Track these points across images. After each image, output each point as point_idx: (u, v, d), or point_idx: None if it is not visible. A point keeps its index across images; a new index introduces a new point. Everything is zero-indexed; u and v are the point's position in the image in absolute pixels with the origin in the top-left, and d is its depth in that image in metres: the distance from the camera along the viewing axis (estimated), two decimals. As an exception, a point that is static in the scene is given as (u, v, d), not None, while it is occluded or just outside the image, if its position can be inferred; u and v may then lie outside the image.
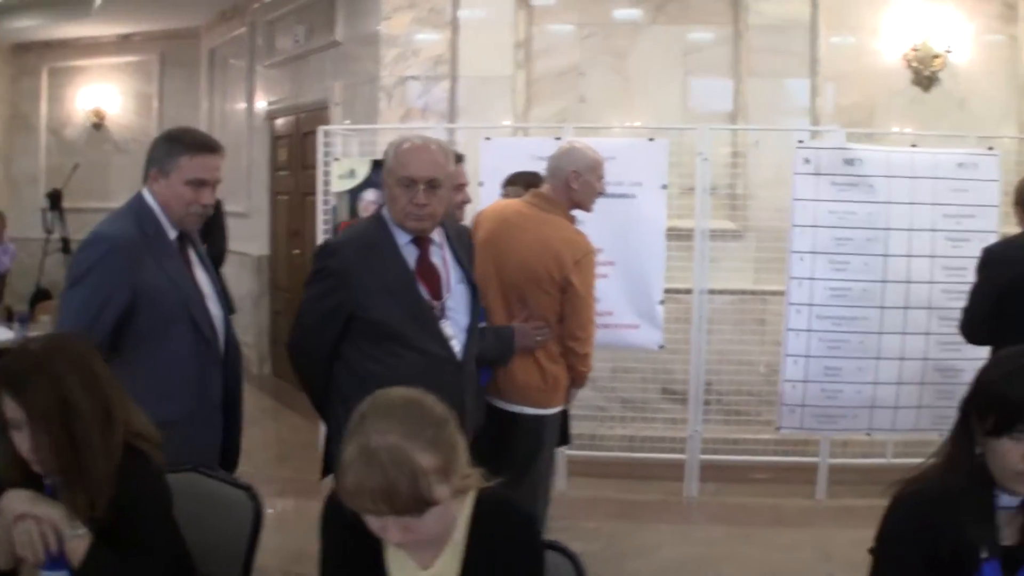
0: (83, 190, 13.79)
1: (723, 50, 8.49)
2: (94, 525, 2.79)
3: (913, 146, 7.07)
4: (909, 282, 6.83)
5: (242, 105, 12.76)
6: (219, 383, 4.08)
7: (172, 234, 4.02)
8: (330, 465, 4.00)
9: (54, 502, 2.80)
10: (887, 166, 6.86)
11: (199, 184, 3.97)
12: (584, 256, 5.04)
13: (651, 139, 7.23)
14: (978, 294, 5.44)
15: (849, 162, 6.83)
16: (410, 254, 4.19)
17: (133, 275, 3.83)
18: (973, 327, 5.50)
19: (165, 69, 14.94)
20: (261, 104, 12.13)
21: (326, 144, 8.24)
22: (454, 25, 8.86)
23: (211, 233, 6.56)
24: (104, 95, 15.21)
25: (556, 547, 2.83)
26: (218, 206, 6.60)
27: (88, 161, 14.43)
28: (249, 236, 11.80)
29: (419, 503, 2.35)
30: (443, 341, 4.17)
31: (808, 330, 6.85)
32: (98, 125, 15.20)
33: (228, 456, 4.25)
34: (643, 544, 6.49)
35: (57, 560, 2.74)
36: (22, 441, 2.78)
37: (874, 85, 8.35)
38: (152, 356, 3.88)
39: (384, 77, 8.99)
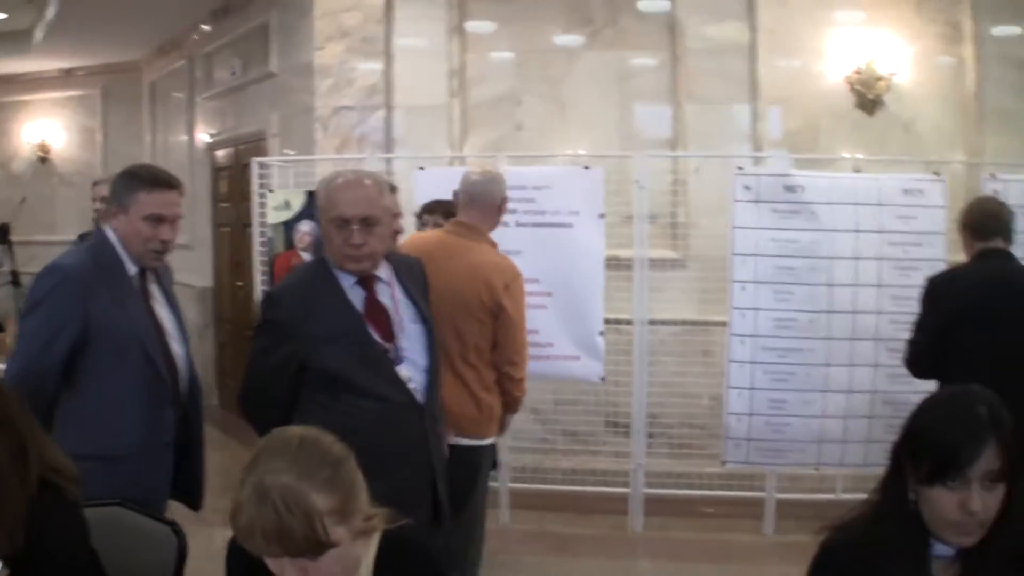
0: (31, 223, 13.93)
1: (660, 75, 8.31)
2: (8, 561, 2.68)
3: (856, 171, 6.88)
4: (855, 312, 6.63)
5: (183, 137, 12.71)
6: (171, 421, 4.01)
7: (132, 270, 4.01)
8: None
9: None
10: (830, 192, 6.67)
11: (157, 220, 3.95)
12: (513, 280, 4.97)
13: (586, 167, 7.04)
14: (923, 326, 5.23)
15: (790, 188, 6.64)
16: (356, 296, 3.97)
17: (86, 306, 3.82)
18: (918, 360, 5.30)
19: (108, 103, 14.95)
20: (202, 136, 12.06)
21: (262, 176, 8.13)
22: (388, 54, 8.71)
23: None
24: (49, 129, 15.32)
25: None
26: None
27: (35, 194, 14.62)
28: (192, 268, 11.65)
29: (314, 545, 2.28)
30: (400, 385, 3.93)
31: (752, 362, 6.65)
32: (43, 159, 15.32)
33: (191, 493, 4.26)
34: None
35: None
36: None
37: (817, 109, 8.15)
38: (103, 389, 3.85)
39: (319, 108, 8.84)
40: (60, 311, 3.81)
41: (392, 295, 4.05)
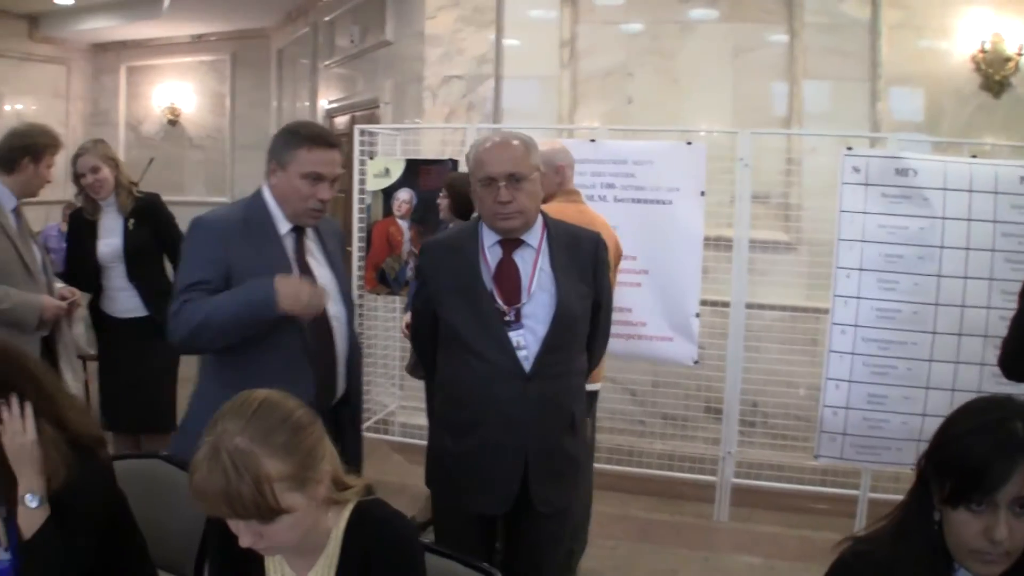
0: (158, 183, 14.00)
1: (777, 51, 8.03)
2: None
3: (973, 157, 6.52)
4: (964, 306, 6.27)
5: (306, 104, 12.92)
6: (311, 381, 3.87)
7: (284, 227, 3.97)
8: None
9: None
10: (943, 177, 6.31)
11: (316, 178, 3.90)
12: None
13: (689, 143, 6.80)
14: (1018, 324, 4.87)
15: (902, 172, 6.31)
16: (493, 256, 3.99)
17: (227, 254, 3.81)
18: (1013, 361, 4.93)
19: (237, 68, 15.33)
20: (323, 103, 12.17)
21: (363, 144, 8.16)
22: (499, 24, 8.60)
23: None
24: (179, 93, 15.67)
25: (481, 569, 2.93)
26: (157, 204, 6.48)
27: (164, 156, 14.84)
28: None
29: (263, 510, 2.30)
30: (509, 350, 3.87)
31: (852, 353, 6.35)
32: (173, 121, 15.68)
33: (351, 459, 4.08)
34: (656, 568, 6.15)
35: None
36: None
37: (940, 90, 7.80)
38: (252, 351, 3.80)
39: (429, 76, 8.80)
40: (201, 262, 3.80)
41: (535, 261, 3.98)
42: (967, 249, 6.25)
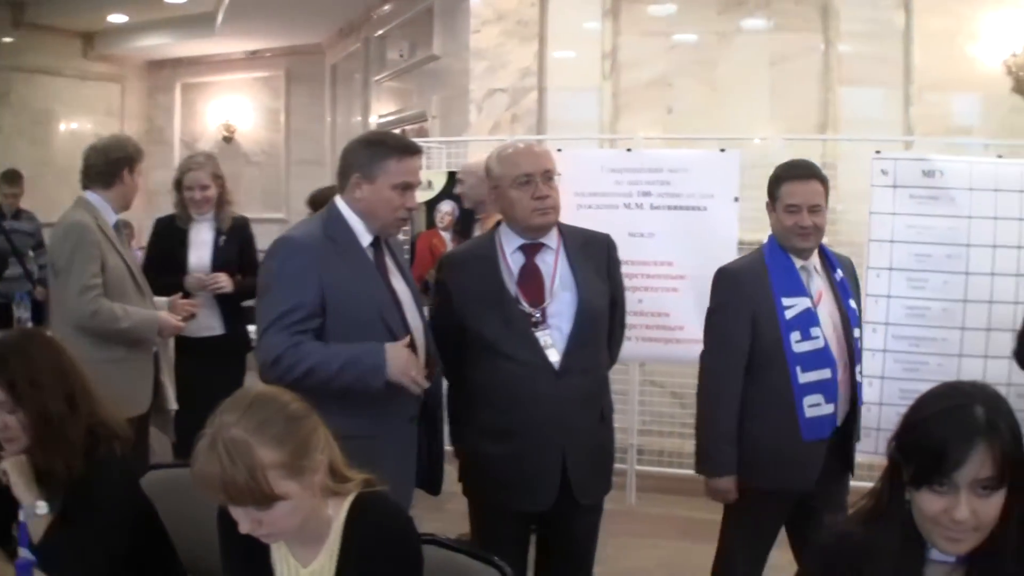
0: None
1: (813, 59, 8.20)
2: (60, 497, 3.08)
3: (999, 157, 6.67)
4: (992, 302, 6.39)
5: (358, 118, 12.97)
6: (416, 395, 3.86)
7: (365, 240, 3.92)
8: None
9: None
10: (969, 178, 6.45)
11: (406, 187, 3.89)
12: None
13: (722, 150, 6.97)
14: (1033, 317, 5.04)
15: (928, 174, 6.46)
16: (516, 261, 4.16)
17: (321, 275, 3.73)
18: None
19: (292, 84, 15.39)
20: (373, 118, 12.30)
21: None
22: (542, 36, 8.77)
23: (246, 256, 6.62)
24: (234, 109, 15.74)
25: (489, 560, 2.93)
26: (246, 224, 6.66)
27: None
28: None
29: (259, 496, 2.41)
30: (537, 349, 4.03)
31: (884, 350, 6.49)
32: (228, 138, 15.74)
33: (432, 474, 4.16)
34: (699, 564, 6.20)
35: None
36: None
37: (973, 94, 7.94)
38: None
39: (474, 90, 8.97)
40: (296, 282, 3.72)
41: (554, 262, 4.15)
42: (994, 247, 6.39)
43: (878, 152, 6.56)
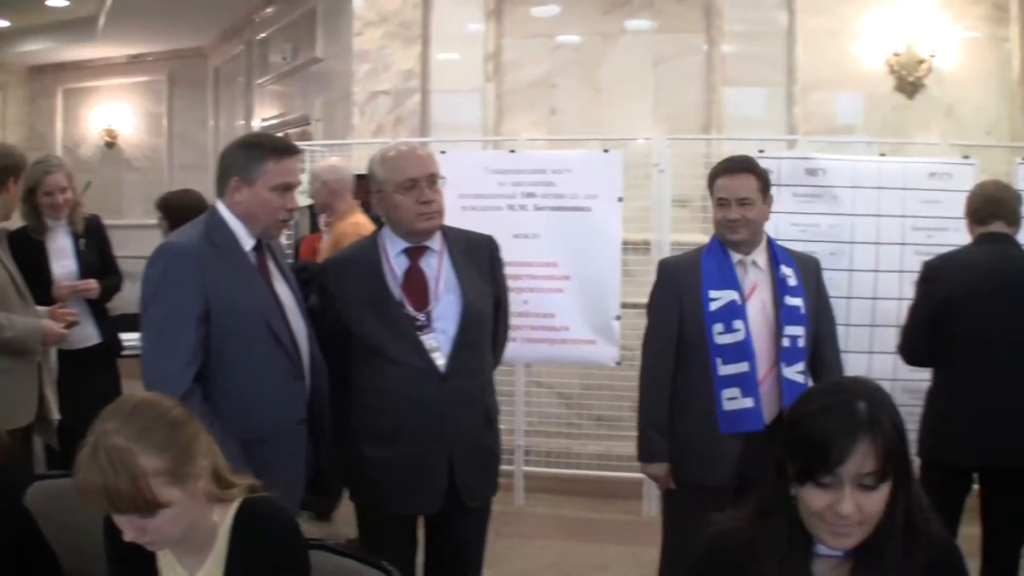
0: (96, 207, 13.84)
1: (697, 59, 8.23)
2: None
3: (881, 155, 6.72)
4: (876, 298, 6.49)
5: (242, 122, 12.88)
6: (302, 398, 3.86)
7: (248, 245, 3.81)
8: None
9: None
10: (852, 176, 6.52)
11: (285, 188, 3.78)
12: None
13: (605, 151, 6.96)
14: (916, 312, 5.04)
15: (811, 172, 6.51)
16: (400, 264, 4.09)
17: (204, 281, 3.62)
18: (911, 348, 5.09)
19: (174, 88, 15.20)
20: (256, 121, 12.20)
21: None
22: (425, 39, 8.74)
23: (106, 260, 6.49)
24: (116, 114, 15.53)
25: (377, 565, 2.90)
26: (100, 223, 6.53)
27: (101, 179, 14.61)
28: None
29: (142, 504, 2.39)
30: (423, 353, 3.98)
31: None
32: (111, 144, 15.53)
33: (321, 478, 4.09)
34: (589, 564, 6.29)
35: None
36: None
37: (855, 93, 8.02)
38: (231, 371, 3.69)
39: (357, 92, 8.91)
40: (180, 291, 3.61)
41: (438, 265, 4.11)
42: (877, 244, 6.46)
43: (761, 151, 6.57)
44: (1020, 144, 7.45)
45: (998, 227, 4.90)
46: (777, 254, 4.45)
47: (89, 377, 5.97)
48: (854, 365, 6.35)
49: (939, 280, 4.91)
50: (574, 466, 7.51)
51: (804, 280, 4.44)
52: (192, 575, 2.64)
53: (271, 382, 3.76)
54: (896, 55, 7.97)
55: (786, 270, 4.41)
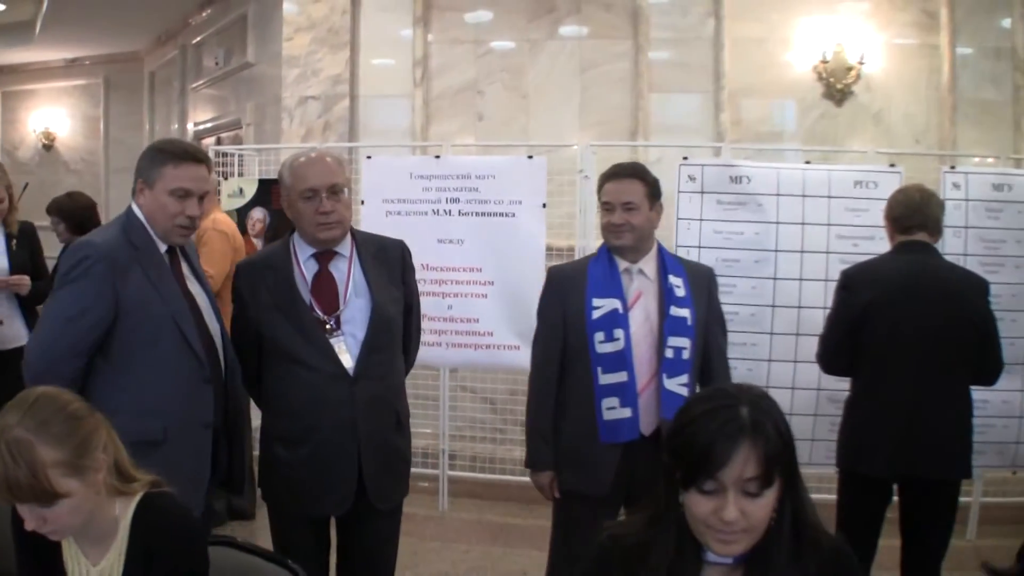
0: (33, 209, 13.86)
1: (623, 65, 8.23)
2: None
3: (807, 163, 6.69)
4: (800, 307, 6.44)
5: (176, 126, 12.90)
6: (210, 400, 3.87)
7: (162, 247, 3.87)
8: None
9: None
10: (777, 184, 6.48)
11: (184, 194, 3.80)
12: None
13: (530, 156, 6.92)
14: (833, 320, 5.00)
15: (736, 180, 6.47)
16: (310, 269, 4.12)
17: (117, 285, 3.67)
18: (829, 357, 5.06)
19: (111, 92, 15.28)
20: (190, 125, 12.24)
21: (224, 164, 8.17)
22: (353, 44, 8.74)
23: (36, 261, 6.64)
24: (54, 117, 15.59)
25: (283, 564, 2.97)
26: (33, 230, 6.67)
27: (39, 181, 14.41)
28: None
29: (41, 494, 2.49)
30: (332, 356, 4.02)
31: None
32: (48, 146, 15.61)
33: (232, 477, 4.12)
34: (507, 569, 6.29)
35: None
36: None
37: (783, 99, 8.03)
38: (137, 371, 3.73)
39: (286, 97, 8.90)
40: (91, 289, 3.66)
41: (348, 269, 4.13)
42: (802, 252, 6.43)
43: (685, 158, 6.56)
44: (948, 152, 7.46)
45: (920, 236, 4.86)
46: (667, 263, 4.42)
47: (18, 377, 5.94)
48: (778, 374, 6.37)
49: (857, 289, 4.88)
50: (498, 471, 7.50)
51: (694, 291, 4.40)
52: (95, 565, 2.73)
53: (176, 385, 3.78)
54: (824, 62, 7.97)
55: (675, 280, 4.37)
